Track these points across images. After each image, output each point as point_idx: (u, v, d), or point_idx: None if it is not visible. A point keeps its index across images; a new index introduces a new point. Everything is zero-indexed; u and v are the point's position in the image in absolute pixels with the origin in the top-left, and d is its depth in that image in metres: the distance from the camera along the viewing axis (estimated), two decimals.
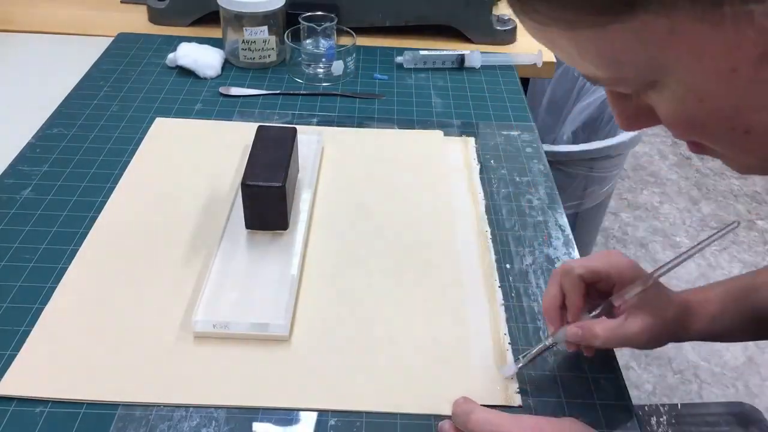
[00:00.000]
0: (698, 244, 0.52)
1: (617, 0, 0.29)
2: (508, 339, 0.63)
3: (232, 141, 0.87)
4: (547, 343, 0.58)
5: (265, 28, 1.01)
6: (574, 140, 1.92)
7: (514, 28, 1.16)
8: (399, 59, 1.07)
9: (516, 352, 0.62)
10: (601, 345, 0.56)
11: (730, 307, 0.61)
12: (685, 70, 0.31)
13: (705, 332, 0.60)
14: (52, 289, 0.65)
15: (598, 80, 0.35)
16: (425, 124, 0.94)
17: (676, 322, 0.58)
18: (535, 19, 0.32)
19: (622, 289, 0.56)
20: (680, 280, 2.01)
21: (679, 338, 0.60)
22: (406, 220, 0.76)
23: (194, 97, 0.96)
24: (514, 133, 0.92)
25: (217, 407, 0.56)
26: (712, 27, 0.29)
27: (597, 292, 0.58)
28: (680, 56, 0.30)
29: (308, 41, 1.03)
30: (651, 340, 0.56)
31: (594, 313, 0.57)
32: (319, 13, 1.01)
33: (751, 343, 1.79)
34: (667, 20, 0.29)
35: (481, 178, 0.83)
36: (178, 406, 0.56)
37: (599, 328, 0.55)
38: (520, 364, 0.59)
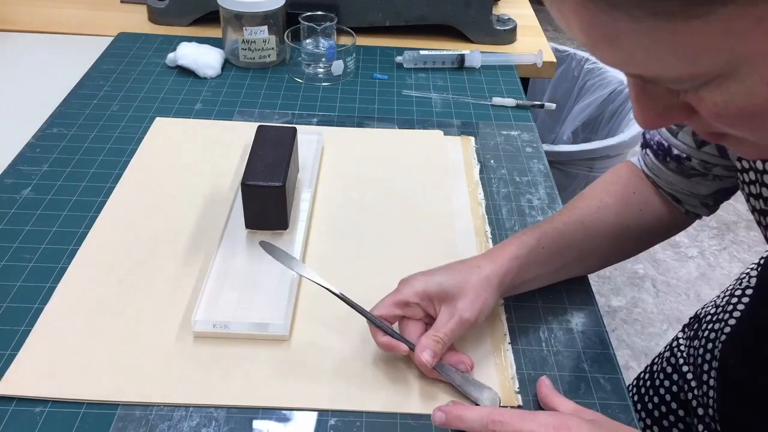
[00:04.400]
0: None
1: None
2: (507, 339, 0.63)
3: (232, 141, 0.87)
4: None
5: (265, 27, 1.01)
6: (574, 140, 1.92)
7: (514, 28, 1.16)
8: (399, 59, 1.07)
9: (516, 352, 0.62)
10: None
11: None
12: (764, 60, 0.30)
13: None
14: (52, 289, 0.65)
15: (651, 79, 0.34)
16: (425, 124, 0.94)
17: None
18: (617, 8, 0.30)
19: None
20: (680, 281, 2.01)
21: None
22: (406, 220, 0.76)
23: (194, 97, 0.96)
24: (514, 133, 0.92)
25: (217, 407, 0.56)
26: None
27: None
28: (763, 47, 0.29)
29: (308, 41, 1.03)
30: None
31: None
32: (319, 13, 1.01)
33: None
34: (755, 9, 0.28)
35: (481, 178, 0.83)
36: (178, 406, 0.56)
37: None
38: None
